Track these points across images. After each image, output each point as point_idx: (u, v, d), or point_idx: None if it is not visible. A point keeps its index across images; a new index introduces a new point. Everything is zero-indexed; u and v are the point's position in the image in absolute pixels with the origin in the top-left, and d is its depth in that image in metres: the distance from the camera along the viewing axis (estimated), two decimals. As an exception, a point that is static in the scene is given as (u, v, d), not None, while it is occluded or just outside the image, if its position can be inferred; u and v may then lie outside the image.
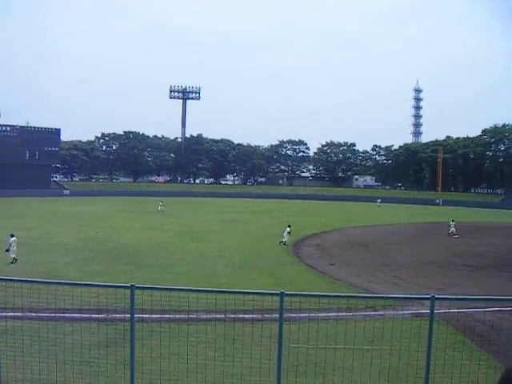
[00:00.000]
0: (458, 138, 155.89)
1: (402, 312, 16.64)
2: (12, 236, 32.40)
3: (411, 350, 11.74)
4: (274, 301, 10.53)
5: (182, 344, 12.27)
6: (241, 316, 15.19)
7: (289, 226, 45.21)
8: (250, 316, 14.76)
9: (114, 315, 14.05)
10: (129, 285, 10.36)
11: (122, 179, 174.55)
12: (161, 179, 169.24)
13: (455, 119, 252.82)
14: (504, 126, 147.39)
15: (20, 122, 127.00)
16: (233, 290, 13.36)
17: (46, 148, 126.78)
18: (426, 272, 31.99)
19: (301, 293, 13.51)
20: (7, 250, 31.82)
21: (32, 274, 24.12)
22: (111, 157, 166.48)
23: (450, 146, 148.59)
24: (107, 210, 75.95)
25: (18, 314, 13.91)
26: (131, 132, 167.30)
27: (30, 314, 14.57)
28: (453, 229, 52.88)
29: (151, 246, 39.56)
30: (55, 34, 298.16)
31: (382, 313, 16.52)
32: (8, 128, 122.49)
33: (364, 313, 16.24)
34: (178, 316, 14.56)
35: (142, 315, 12.87)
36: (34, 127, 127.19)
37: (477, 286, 27.65)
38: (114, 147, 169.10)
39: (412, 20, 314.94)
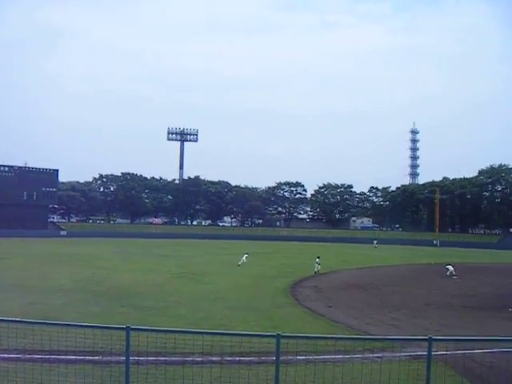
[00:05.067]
0: (454, 179, 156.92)
1: (399, 354, 16.49)
2: None
3: (410, 392, 11.65)
4: (270, 343, 10.47)
5: (178, 387, 12.15)
6: (237, 359, 15.06)
7: (318, 258, 53.61)
8: (247, 359, 14.63)
9: (109, 357, 13.89)
10: (124, 326, 10.30)
11: (119, 220, 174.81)
12: (158, 221, 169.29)
13: (452, 160, 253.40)
14: (500, 166, 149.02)
15: (18, 162, 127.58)
16: (229, 332, 13.30)
17: (43, 189, 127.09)
18: (424, 313, 31.79)
19: (298, 334, 13.37)
20: None
21: (27, 315, 23.91)
22: (109, 198, 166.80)
23: (447, 187, 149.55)
24: (104, 252, 75.64)
25: (12, 355, 13.81)
26: (129, 173, 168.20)
27: (24, 355, 14.45)
28: (451, 268, 52.70)
29: (148, 287, 39.33)
30: (53, 76, 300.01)
31: (380, 355, 16.36)
32: (6, 168, 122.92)
33: (362, 355, 16.11)
34: (173, 358, 14.41)
35: (137, 357, 12.75)
36: (32, 168, 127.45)
37: (476, 327, 27.41)
38: (112, 188, 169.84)
39: (405, 62, 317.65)
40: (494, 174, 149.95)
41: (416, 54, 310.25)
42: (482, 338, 19.02)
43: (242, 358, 14.77)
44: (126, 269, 51.97)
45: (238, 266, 57.32)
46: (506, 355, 15.04)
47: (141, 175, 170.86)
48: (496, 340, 15.75)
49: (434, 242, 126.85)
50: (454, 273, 52.10)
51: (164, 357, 14.05)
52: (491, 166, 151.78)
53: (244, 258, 59.69)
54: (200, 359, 14.35)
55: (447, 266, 53.49)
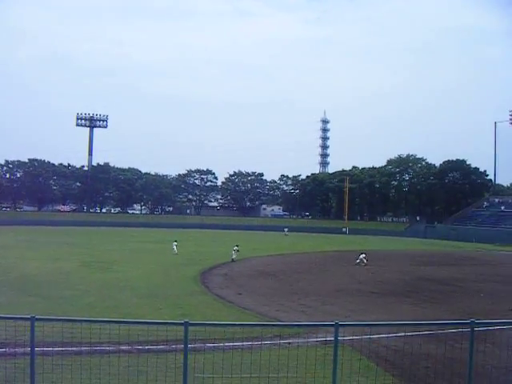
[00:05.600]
0: (363, 168, 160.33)
1: (308, 340, 16.72)
2: None
3: (318, 376, 11.81)
4: (179, 331, 10.44)
5: (85, 377, 12.00)
6: (146, 347, 14.96)
7: (237, 246, 54.17)
8: (156, 347, 14.55)
9: (15, 349, 13.58)
10: (29, 316, 10.08)
11: (26, 208, 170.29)
12: (66, 208, 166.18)
13: (361, 150, 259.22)
14: (408, 156, 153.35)
15: None
16: (137, 321, 13.17)
17: None
18: (333, 299, 32.33)
19: (206, 322, 13.39)
20: None
21: None
22: (15, 185, 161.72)
23: (356, 176, 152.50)
24: (10, 240, 73.55)
25: None
26: (36, 160, 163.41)
27: None
28: (362, 256, 53.42)
29: (56, 276, 38.57)
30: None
31: (289, 341, 16.56)
32: None
33: (270, 341, 16.26)
34: (81, 348, 14.20)
35: (43, 348, 12.52)
36: None
37: (383, 312, 28.15)
38: (18, 175, 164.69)
39: (318, 52, 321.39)
40: (401, 163, 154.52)
41: (328, 43, 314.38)
42: (387, 322, 19.52)
43: (150, 347, 14.68)
44: (33, 257, 50.81)
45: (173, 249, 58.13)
46: (410, 339, 15.47)
47: (48, 162, 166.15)
48: (400, 324, 16.15)
49: (344, 229, 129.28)
50: (364, 260, 52.99)
51: (71, 347, 13.85)
52: (399, 156, 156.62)
53: (174, 246, 59.54)
54: (108, 348, 14.21)
55: (360, 255, 54.15)
